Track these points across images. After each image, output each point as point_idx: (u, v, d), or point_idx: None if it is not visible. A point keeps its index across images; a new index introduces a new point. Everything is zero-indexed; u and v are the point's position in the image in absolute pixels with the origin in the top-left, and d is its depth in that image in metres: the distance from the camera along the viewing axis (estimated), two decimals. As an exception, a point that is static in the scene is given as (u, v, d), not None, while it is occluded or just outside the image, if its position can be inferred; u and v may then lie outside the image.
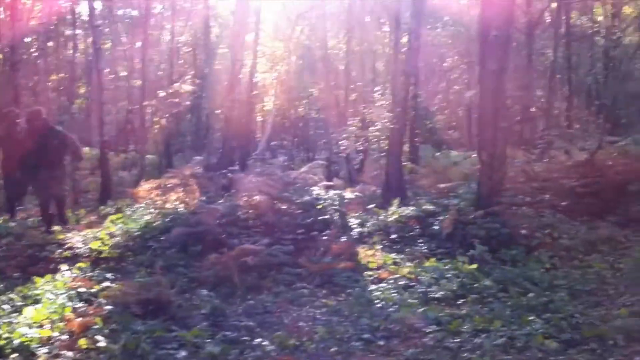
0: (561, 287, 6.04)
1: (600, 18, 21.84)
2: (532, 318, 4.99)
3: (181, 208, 9.12)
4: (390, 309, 5.37)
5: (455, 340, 4.65)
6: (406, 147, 14.16)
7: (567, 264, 6.94)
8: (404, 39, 12.90)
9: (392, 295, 5.82)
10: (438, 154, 16.87)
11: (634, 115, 25.41)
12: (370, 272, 6.69)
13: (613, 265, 6.88)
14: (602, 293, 6.00)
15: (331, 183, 11.84)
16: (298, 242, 7.49)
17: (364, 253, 7.27)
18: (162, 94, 18.31)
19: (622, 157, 9.94)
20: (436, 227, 8.03)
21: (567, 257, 7.18)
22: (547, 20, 18.51)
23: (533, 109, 17.18)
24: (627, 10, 21.44)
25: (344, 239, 7.69)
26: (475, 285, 6.06)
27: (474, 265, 6.58)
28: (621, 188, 9.06)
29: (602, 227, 8.05)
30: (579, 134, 16.01)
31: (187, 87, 19.35)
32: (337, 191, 10.41)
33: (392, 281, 6.28)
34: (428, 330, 4.84)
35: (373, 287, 6.21)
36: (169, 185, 9.79)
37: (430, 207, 8.72)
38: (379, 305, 5.57)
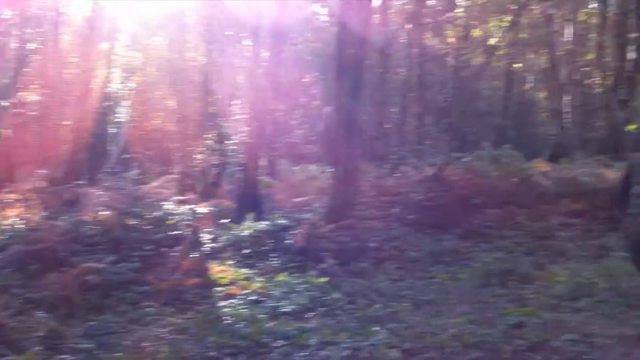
0: (406, 298, 6.24)
1: (451, 40, 23.13)
2: (377, 328, 5.12)
3: (20, 225, 8.50)
4: (239, 325, 5.27)
5: (302, 353, 4.66)
6: (264, 162, 14.15)
7: (412, 275, 7.20)
8: (264, 54, 12.91)
9: (242, 311, 5.75)
10: (296, 168, 17.01)
11: (481, 132, 27.10)
12: (220, 288, 6.58)
13: (455, 275, 7.21)
14: (443, 302, 6.25)
15: (184, 197, 11.57)
16: (146, 259, 7.20)
17: (215, 269, 7.13)
18: (5, 103, 17.05)
19: (466, 173, 10.51)
20: (289, 241, 8.04)
21: (413, 268, 7.45)
22: (401, 41, 19.31)
23: (387, 126, 17.81)
24: (475, 32, 22.86)
25: (195, 254, 7.48)
26: (325, 298, 6.14)
27: (324, 279, 6.66)
28: (465, 202, 9.55)
29: (447, 239, 8.44)
30: (428, 150, 16.80)
31: (34, 97, 18.19)
32: (190, 206, 10.20)
33: (242, 297, 6.21)
34: (276, 345, 4.81)
35: (223, 303, 6.10)
36: (6, 201, 9.10)
37: (284, 222, 8.72)
38: (227, 321, 5.46)
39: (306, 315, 5.70)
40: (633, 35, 15.98)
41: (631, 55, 15.81)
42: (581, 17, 22.24)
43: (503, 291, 6.58)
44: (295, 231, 8.19)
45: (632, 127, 15.89)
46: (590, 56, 20.55)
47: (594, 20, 20.72)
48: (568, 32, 20.91)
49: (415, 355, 4.66)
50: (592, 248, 8.62)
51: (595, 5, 20.15)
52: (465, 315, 5.71)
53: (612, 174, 10.66)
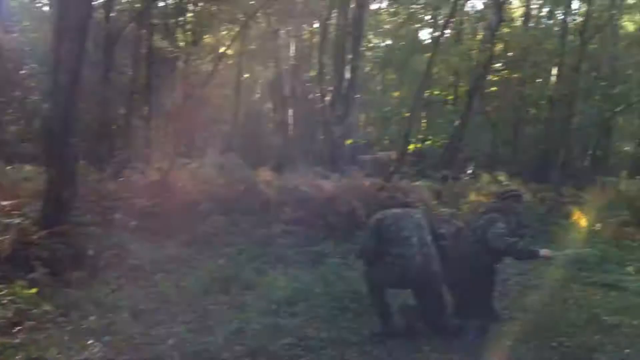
0: (125, 308, 5.95)
1: (181, 43, 22.96)
2: (91, 342, 4.79)
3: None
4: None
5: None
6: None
7: (133, 284, 6.90)
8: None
9: None
10: (9, 168, 15.43)
11: (208, 139, 27.37)
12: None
13: (177, 283, 7.07)
14: (164, 312, 6.09)
15: None
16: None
17: None
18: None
19: (192, 179, 10.44)
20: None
21: (133, 277, 7.15)
22: (128, 40, 18.60)
23: (111, 127, 17.01)
24: (206, 39, 23.01)
25: None
26: (34, 310, 5.59)
27: (34, 290, 6.05)
28: (190, 208, 9.47)
29: (170, 247, 8.27)
30: (154, 154, 16.42)
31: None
32: None
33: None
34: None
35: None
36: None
37: (-12, 227, 7.77)
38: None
39: (12, 330, 5.12)
40: (349, 56, 17.46)
41: (347, 74, 17.25)
42: (305, 35, 23.74)
43: (226, 298, 6.63)
44: (1, 238, 7.35)
45: (349, 141, 17.33)
46: (312, 72, 21.96)
47: (316, 39, 22.25)
48: (293, 48, 22.15)
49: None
50: (310, 254, 9.14)
51: (317, 25, 21.66)
52: (185, 324, 5.63)
53: (328, 185, 11.45)
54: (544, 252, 5.78)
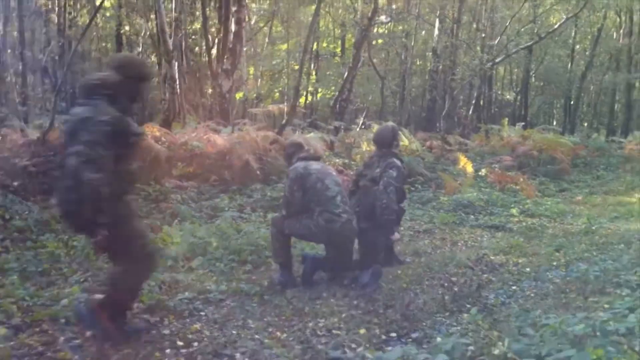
0: (13, 271, 5.68)
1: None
2: (-22, 307, 4.53)
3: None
4: None
5: None
6: None
7: (20, 246, 6.57)
8: None
9: None
10: None
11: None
12: None
13: (67, 243, 6.80)
14: (55, 273, 5.85)
15: None
16: None
17: None
18: None
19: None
20: None
21: (20, 238, 6.80)
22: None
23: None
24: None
25: None
26: None
27: None
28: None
29: (56, 206, 7.90)
30: (34, 111, 15.59)
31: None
32: None
33: None
34: None
35: None
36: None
37: None
38: None
39: None
40: (233, 8, 17.08)
41: (233, 27, 16.90)
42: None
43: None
44: None
45: (239, 95, 17.10)
46: (197, 25, 21.36)
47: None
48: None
49: (25, 330, 4.27)
50: (205, 209, 9.05)
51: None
52: (79, 284, 5.45)
53: (220, 139, 11.29)
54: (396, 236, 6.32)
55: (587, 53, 30.32)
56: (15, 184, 8.09)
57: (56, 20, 21.87)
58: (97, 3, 19.44)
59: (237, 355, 4.00)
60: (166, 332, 4.39)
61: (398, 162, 6.38)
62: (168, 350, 4.05)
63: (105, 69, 4.24)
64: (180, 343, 4.19)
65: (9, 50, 17.36)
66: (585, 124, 36.42)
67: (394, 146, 6.56)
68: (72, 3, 21.67)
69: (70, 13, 21.67)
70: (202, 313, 4.88)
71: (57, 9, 21.70)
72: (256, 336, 4.30)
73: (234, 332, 4.43)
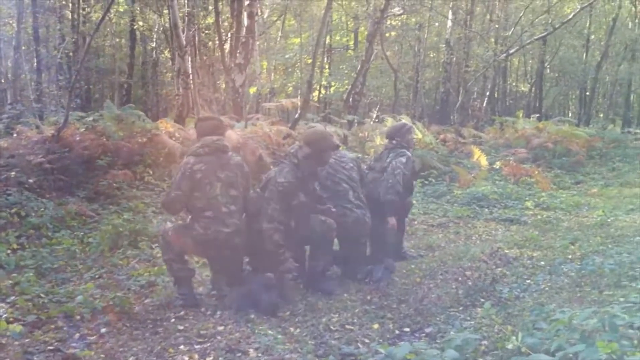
0: (29, 268, 5.75)
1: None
2: (-5, 304, 4.59)
3: None
4: None
5: None
6: None
7: (35, 243, 6.64)
8: None
9: None
10: None
11: (105, 91, 26.36)
12: None
13: (83, 240, 6.88)
14: (71, 269, 5.93)
15: None
16: None
17: None
18: None
19: (90, 133, 10.00)
20: None
21: (35, 235, 6.88)
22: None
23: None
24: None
25: None
26: None
27: None
28: (89, 163, 9.12)
29: (72, 203, 7.97)
30: (49, 108, 15.68)
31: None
32: None
33: None
34: None
35: None
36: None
37: None
38: None
39: None
40: (246, 2, 17.07)
41: (245, 21, 16.89)
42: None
43: (134, 252, 6.50)
44: None
45: (252, 89, 17.10)
46: (210, 20, 21.37)
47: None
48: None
49: (41, 327, 4.31)
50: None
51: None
52: (94, 280, 5.49)
53: (234, 134, 11.29)
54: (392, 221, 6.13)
55: (602, 43, 29.94)
56: (31, 181, 8.15)
57: (70, 17, 21.97)
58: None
59: (251, 350, 4.01)
60: (180, 327, 4.41)
61: (408, 153, 6.37)
62: (182, 347, 4.07)
63: None
64: (194, 339, 4.21)
65: (23, 47, 17.42)
66: (601, 115, 36.07)
67: (405, 139, 6.52)
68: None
69: (84, 9, 21.75)
70: (216, 309, 4.90)
71: (71, 5, 21.78)
72: (269, 332, 4.31)
73: (247, 327, 4.44)
